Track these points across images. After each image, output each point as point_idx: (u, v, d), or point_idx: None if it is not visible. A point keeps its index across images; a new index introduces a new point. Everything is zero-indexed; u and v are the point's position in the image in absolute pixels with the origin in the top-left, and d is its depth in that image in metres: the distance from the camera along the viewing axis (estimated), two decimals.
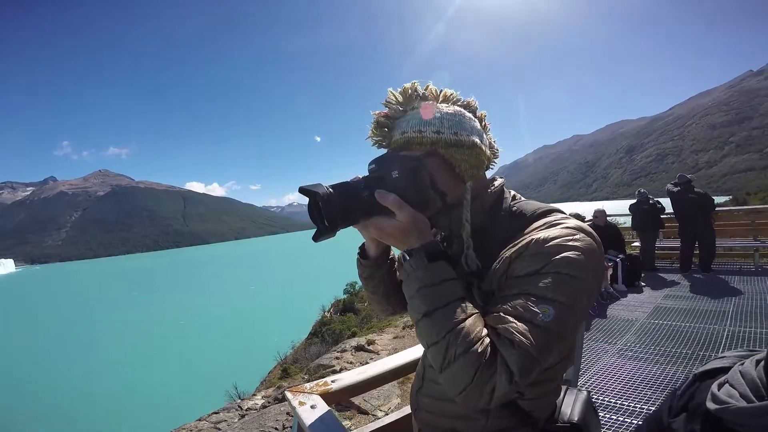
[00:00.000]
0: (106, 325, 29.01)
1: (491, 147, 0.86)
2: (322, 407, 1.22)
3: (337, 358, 5.52)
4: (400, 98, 0.81)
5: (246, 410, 4.96)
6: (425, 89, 0.82)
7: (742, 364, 0.63)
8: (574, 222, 0.78)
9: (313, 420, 1.16)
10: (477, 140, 0.79)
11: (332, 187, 0.67)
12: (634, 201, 7.45)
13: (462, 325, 0.69)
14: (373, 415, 3.46)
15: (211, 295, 39.70)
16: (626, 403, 2.80)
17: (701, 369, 0.72)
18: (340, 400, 1.46)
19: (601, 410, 2.74)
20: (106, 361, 19.95)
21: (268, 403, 4.96)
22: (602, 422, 2.58)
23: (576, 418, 0.91)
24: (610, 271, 5.96)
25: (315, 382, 1.40)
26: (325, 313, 13.79)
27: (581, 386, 3.08)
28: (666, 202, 7.26)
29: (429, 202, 0.77)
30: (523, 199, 0.89)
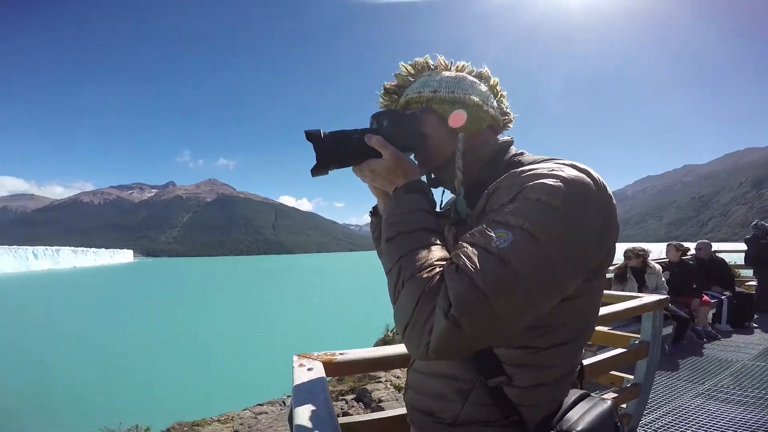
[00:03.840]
0: (199, 316, 32.30)
1: (502, 111, 0.89)
2: (318, 372, 1.24)
3: (385, 371, 5.37)
4: (411, 69, 0.88)
5: (287, 405, 5.16)
6: (437, 61, 0.88)
7: None
8: (570, 162, 0.68)
9: (303, 380, 1.18)
10: (476, 99, 0.82)
11: (329, 132, 0.75)
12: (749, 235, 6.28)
13: (418, 251, 0.65)
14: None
15: (287, 302, 42.15)
16: None
17: None
18: (342, 372, 1.44)
19: None
20: (192, 347, 22.15)
21: None
22: None
23: (579, 428, 0.71)
24: (713, 310, 5.08)
25: (324, 351, 1.43)
26: (388, 332, 13.69)
27: (648, 424, 2.60)
28: None
29: (414, 146, 0.83)
30: (530, 155, 0.81)
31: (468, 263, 0.57)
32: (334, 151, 0.74)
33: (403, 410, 1.31)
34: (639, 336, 2.49)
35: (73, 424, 9.69)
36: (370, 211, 0.99)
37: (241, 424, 4.40)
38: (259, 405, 5.73)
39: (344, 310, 33.66)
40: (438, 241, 0.67)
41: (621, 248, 5.04)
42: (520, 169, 0.67)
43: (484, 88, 0.85)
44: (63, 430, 10.12)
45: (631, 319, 3.70)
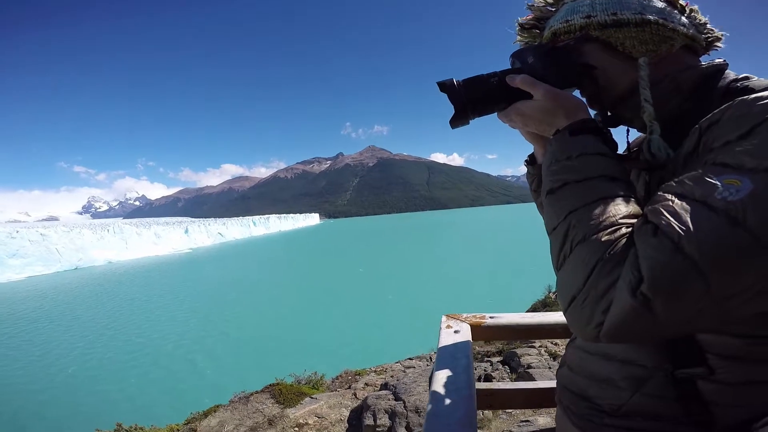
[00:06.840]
0: (369, 272, 36.68)
1: (699, 28, 0.67)
2: (465, 335, 1.16)
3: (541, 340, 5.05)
4: None
5: (432, 362, 5.86)
6: None
7: None
8: None
9: (447, 343, 1.11)
10: (651, 17, 0.63)
11: (464, 79, 0.68)
12: None
13: (594, 205, 0.51)
14: None
15: (439, 258, 43.38)
16: None
17: None
18: (491, 337, 1.33)
19: None
20: (360, 300, 24.51)
21: None
22: None
23: None
24: None
25: (473, 314, 1.33)
26: (550, 294, 12.61)
27: None
28: None
29: (576, 81, 0.69)
30: (760, 79, 0.59)
31: (674, 222, 0.42)
32: (472, 99, 0.66)
33: (551, 383, 1.19)
34: None
35: (263, 368, 11.38)
36: (526, 160, 0.86)
37: (392, 376, 4.71)
38: (409, 359, 6.25)
39: (497, 267, 32.98)
40: (623, 193, 0.52)
41: None
42: (754, 96, 0.48)
43: (660, 3, 0.64)
44: (262, 371, 11.22)
45: None
